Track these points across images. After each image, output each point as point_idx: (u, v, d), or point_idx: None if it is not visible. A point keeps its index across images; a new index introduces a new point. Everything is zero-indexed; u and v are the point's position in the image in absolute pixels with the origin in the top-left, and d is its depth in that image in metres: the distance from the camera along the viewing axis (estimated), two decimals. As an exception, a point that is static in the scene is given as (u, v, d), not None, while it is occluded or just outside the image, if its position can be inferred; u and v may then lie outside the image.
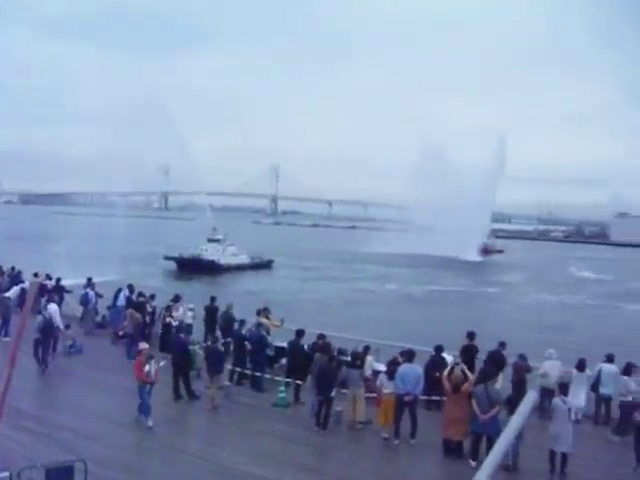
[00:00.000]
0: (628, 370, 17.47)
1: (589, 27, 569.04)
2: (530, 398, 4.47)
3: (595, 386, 18.57)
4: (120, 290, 27.29)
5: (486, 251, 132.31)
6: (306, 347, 19.71)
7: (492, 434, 13.08)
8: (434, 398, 17.82)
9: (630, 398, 16.14)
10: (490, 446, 11.56)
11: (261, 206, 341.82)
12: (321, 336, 19.74)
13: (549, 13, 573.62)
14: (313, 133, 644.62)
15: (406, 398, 15.93)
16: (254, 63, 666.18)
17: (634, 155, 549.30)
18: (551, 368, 18.59)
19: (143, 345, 17.36)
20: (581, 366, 18.45)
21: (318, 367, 17.28)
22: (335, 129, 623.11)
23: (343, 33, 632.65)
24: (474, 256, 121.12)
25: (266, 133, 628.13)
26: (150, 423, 16.30)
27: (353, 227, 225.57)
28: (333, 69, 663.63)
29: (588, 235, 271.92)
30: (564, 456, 14.23)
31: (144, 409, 16.49)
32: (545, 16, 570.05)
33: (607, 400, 18.55)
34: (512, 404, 12.84)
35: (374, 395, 17.28)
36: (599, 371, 18.55)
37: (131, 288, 27.16)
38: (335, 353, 18.40)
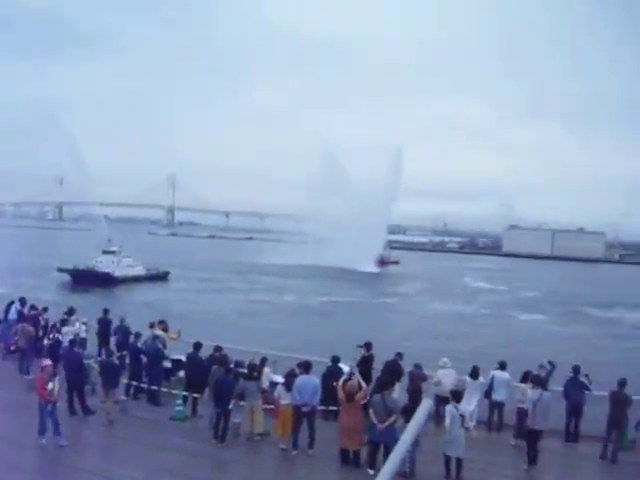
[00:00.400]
0: (525, 378, 17.97)
1: (477, 41, 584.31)
2: (425, 406, 4.55)
3: (488, 393, 19.06)
4: (12, 303, 26.43)
5: (382, 262, 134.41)
6: (204, 359, 19.56)
7: (389, 442, 13.22)
8: (332, 408, 17.90)
9: (526, 405, 16.57)
10: (387, 454, 11.71)
11: (157, 217, 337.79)
12: (218, 348, 19.64)
13: (437, 28, 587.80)
14: (210, 144, 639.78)
15: (304, 409, 15.98)
16: (151, 72, 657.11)
17: (525, 169, 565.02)
18: (445, 376, 18.95)
19: (46, 362, 16.79)
20: (474, 374, 18.92)
21: (215, 379, 17.21)
22: (233, 141, 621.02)
23: (244, 48, 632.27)
24: (371, 267, 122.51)
25: (163, 143, 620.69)
26: (44, 441, 15.84)
27: (250, 238, 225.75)
28: (232, 82, 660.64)
29: (482, 246, 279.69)
30: (459, 461, 14.55)
31: (43, 428, 15.97)
32: (432, 30, 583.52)
33: (500, 406, 19.07)
34: (408, 413, 13.03)
35: (272, 407, 17.30)
36: (492, 378, 19.05)
37: (23, 301, 26.44)
38: (232, 365, 18.34)
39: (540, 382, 16.38)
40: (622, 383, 17.52)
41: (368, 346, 20.00)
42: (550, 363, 19.15)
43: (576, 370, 18.73)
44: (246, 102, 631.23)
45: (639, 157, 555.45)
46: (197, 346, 19.61)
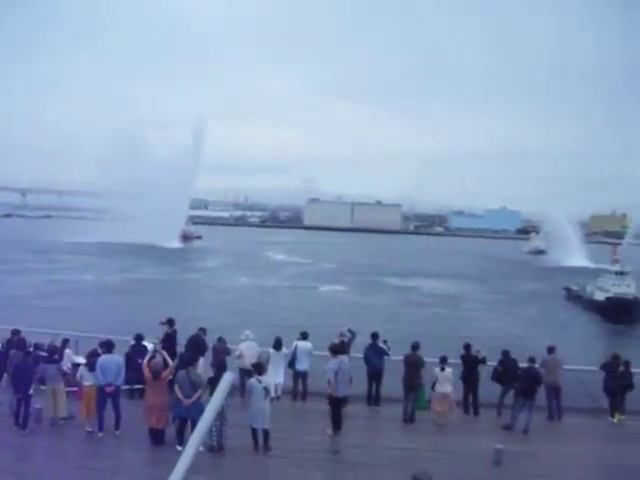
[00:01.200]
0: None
1: (286, 18, 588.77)
2: (226, 380, 4.70)
3: (292, 363, 19.50)
4: None
5: (186, 238, 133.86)
6: (0, 345, 18.85)
7: (196, 418, 13.28)
8: (137, 387, 17.80)
9: (328, 374, 17.04)
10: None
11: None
12: (16, 332, 18.99)
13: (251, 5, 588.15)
14: (3, 118, 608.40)
15: (107, 389, 15.77)
16: None
17: (326, 144, 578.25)
18: (247, 349, 19.18)
19: None
20: (277, 345, 19.28)
21: (14, 364, 16.66)
22: (28, 115, 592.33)
23: (44, 17, 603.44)
24: (174, 243, 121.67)
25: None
26: None
27: (48, 216, 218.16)
28: (29, 54, 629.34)
29: (283, 220, 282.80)
30: (265, 432, 14.84)
31: None
32: (243, 8, 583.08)
33: (303, 375, 19.58)
34: (214, 387, 13.17)
35: (75, 389, 16.96)
36: (295, 348, 19.49)
37: None
38: (31, 349, 17.79)
39: (338, 351, 16.86)
40: (415, 346, 18.46)
41: (171, 322, 19.84)
42: (350, 331, 19.80)
43: (375, 336, 19.46)
44: (45, 74, 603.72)
45: (432, 133, 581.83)
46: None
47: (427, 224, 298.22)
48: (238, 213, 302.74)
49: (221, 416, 14.12)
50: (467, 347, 19.12)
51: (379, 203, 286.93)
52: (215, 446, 14.33)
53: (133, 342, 18.72)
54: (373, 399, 19.34)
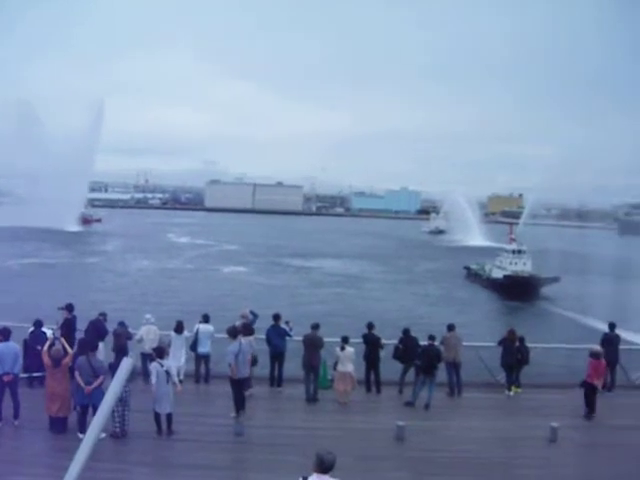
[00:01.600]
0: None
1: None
2: (125, 365, 4.62)
3: (194, 346, 19.40)
4: None
5: (85, 221, 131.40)
6: None
7: (98, 404, 13.06)
8: (36, 375, 17.43)
9: (228, 357, 17.03)
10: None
11: None
12: None
13: None
14: None
15: (5, 378, 15.38)
16: None
17: (226, 125, 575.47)
18: (147, 333, 19.02)
19: None
20: (179, 328, 19.12)
21: None
22: None
23: None
24: (74, 226, 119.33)
25: None
26: None
27: None
28: None
29: (184, 202, 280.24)
30: (169, 416, 14.77)
31: None
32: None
33: (205, 358, 19.50)
34: (115, 372, 12.97)
35: (-30, 379, 16.51)
36: (196, 331, 19.40)
37: None
38: None
39: (239, 333, 16.82)
40: (315, 326, 18.63)
41: (70, 308, 19.48)
42: (252, 313, 19.80)
43: (276, 317, 19.48)
44: None
45: (335, 117, 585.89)
46: None
47: (329, 205, 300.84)
48: (139, 195, 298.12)
49: (123, 401, 14.03)
50: (369, 326, 19.36)
51: (280, 184, 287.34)
52: (118, 432, 14.24)
53: (32, 328, 18.30)
54: (276, 380, 19.40)
